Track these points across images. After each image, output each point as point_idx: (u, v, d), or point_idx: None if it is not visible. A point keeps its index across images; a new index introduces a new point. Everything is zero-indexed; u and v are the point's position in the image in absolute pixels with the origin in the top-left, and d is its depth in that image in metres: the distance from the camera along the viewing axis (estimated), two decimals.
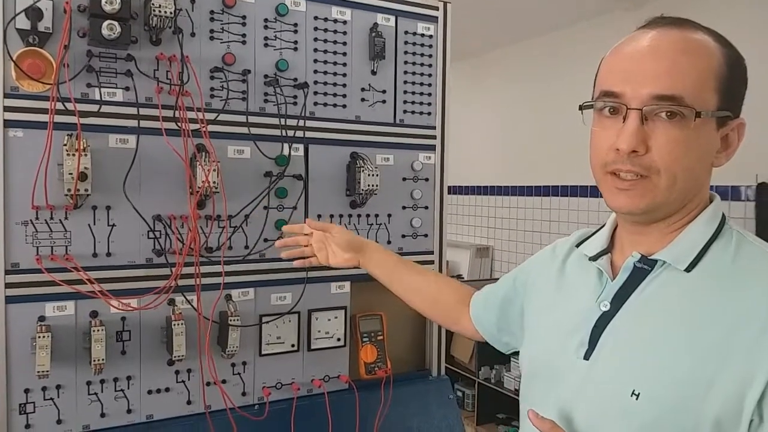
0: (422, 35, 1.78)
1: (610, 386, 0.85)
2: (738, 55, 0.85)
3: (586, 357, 0.89)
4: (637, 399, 0.81)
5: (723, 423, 0.76)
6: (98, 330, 1.31)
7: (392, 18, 1.73)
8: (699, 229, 0.86)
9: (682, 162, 0.81)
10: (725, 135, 0.84)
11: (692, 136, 0.81)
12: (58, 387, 1.34)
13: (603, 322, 0.89)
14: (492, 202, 5.96)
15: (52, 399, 1.34)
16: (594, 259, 0.96)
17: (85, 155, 1.29)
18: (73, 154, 1.27)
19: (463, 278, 5.85)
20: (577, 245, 1.03)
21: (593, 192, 4.79)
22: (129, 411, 1.41)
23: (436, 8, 1.80)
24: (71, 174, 1.27)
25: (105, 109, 1.35)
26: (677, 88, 0.80)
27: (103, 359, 1.32)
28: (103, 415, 1.39)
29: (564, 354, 0.93)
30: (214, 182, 1.39)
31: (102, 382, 1.38)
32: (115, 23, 1.31)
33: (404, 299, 1.42)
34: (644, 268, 0.88)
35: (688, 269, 0.84)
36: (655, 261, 0.87)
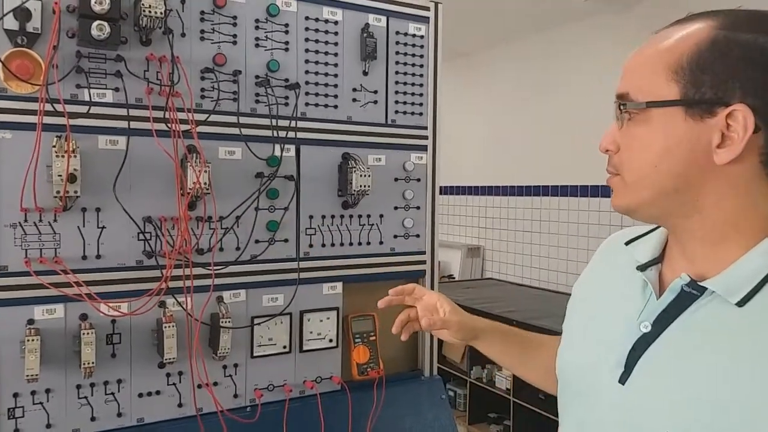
0: (413, 36, 1.78)
1: (645, 418, 0.80)
2: (736, 36, 0.74)
3: (622, 381, 0.83)
4: None
5: None
6: (88, 333, 1.30)
7: (384, 18, 1.73)
8: (759, 257, 0.76)
9: (644, 157, 0.79)
10: (726, 126, 0.74)
11: (651, 131, 0.78)
12: (47, 391, 1.33)
13: (642, 344, 0.82)
14: (483, 202, 5.97)
15: (41, 403, 1.33)
16: (642, 268, 0.88)
17: (75, 157, 1.27)
18: (62, 156, 1.26)
19: (454, 278, 5.87)
20: (627, 243, 0.96)
21: (584, 191, 4.82)
22: (119, 414, 1.40)
23: (428, 9, 1.80)
24: (60, 176, 1.26)
25: (94, 110, 1.34)
26: (625, 86, 0.81)
27: (93, 362, 1.31)
28: (93, 418, 1.37)
29: (599, 371, 0.88)
30: (204, 183, 1.39)
31: (92, 385, 1.37)
32: (105, 24, 1.29)
33: (525, 378, 1.28)
34: (692, 293, 0.80)
35: (740, 303, 0.75)
36: (705, 288, 0.78)
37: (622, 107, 0.81)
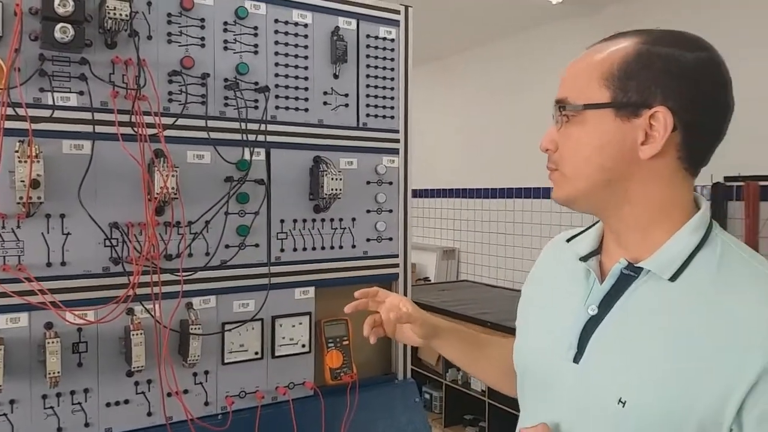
0: (384, 39, 1.78)
1: (598, 393, 0.88)
2: (655, 50, 0.86)
3: (576, 360, 0.92)
4: (623, 407, 0.84)
5: (706, 431, 0.79)
6: (53, 342, 1.27)
7: (354, 22, 1.72)
8: (684, 238, 0.87)
9: (579, 153, 0.90)
10: (649, 126, 0.85)
11: (586, 131, 0.89)
12: (11, 402, 1.29)
13: (591, 326, 0.92)
14: (457, 205, 6.00)
15: (5, 414, 1.29)
16: (584, 259, 0.98)
17: (38, 162, 1.25)
18: (25, 161, 1.23)
19: (429, 280, 5.87)
20: (568, 240, 1.06)
21: None
22: (87, 425, 1.37)
23: (398, 12, 1.80)
24: (23, 181, 1.23)
25: (58, 114, 1.31)
26: (564, 92, 0.92)
27: (58, 372, 1.28)
28: (59, 429, 1.34)
29: (555, 355, 0.95)
30: (172, 188, 1.37)
31: (58, 395, 1.34)
32: (69, 26, 1.27)
33: (480, 379, 1.37)
34: (630, 274, 0.90)
35: (672, 279, 0.86)
36: (641, 268, 0.89)
37: (561, 110, 0.91)
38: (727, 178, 3.73)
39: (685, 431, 0.80)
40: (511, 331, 1.24)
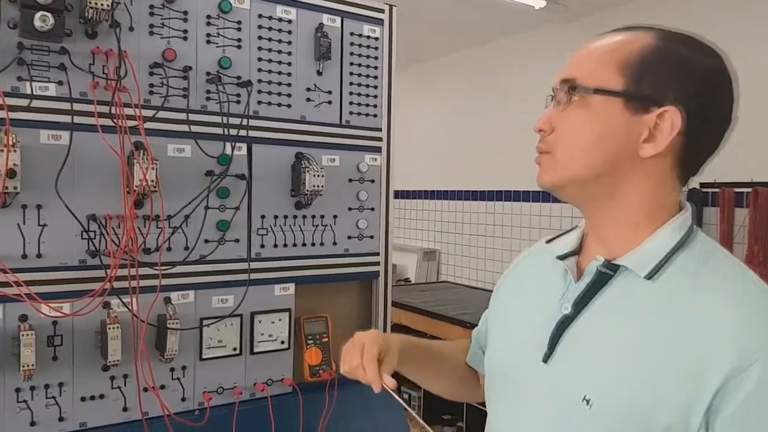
0: (368, 37, 1.78)
1: (563, 391, 0.86)
2: (675, 48, 0.84)
3: (545, 360, 0.89)
4: (588, 406, 0.82)
5: None
6: (27, 334, 1.25)
7: (338, 19, 1.72)
8: (663, 237, 0.85)
9: (578, 138, 0.86)
10: (655, 125, 0.82)
11: (590, 116, 0.85)
12: None
13: (564, 325, 0.88)
14: (438, 207, 6.01)
15: None
16: (562, 258, 0.95)
17: (14, 151, 1.23)
18: (2, 150, 1.21)
19: (410, 281, 5.88)
20: (548, 241, 1.02)
21: (536, 197, 4.90)
22: (61, 419, 1.35)
23: (382, 11, 1.80)
24: None
25: (36, 103, 1.30)
26: (573, 72, 0.87)
27: (32, 365, 1.26)
28: (33, 423, 1.32)
29: (524, 354, 0.93)
30: (152, 181, 1.35)
31: (32, 389, 1.32)
32: (48, 15, 1.26)
33: (436, 393, 1.28)
34: (607, 272, 0.87)
35: (649, 277, 0.83)
36: (618, 266, 0.86)
37: (571, 90, 0.86)
38: (702, 185, 3.78)
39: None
40: None
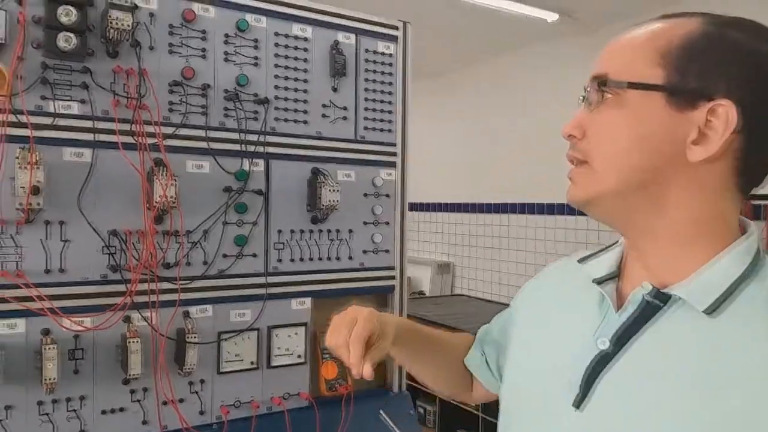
0: (383, 54, 1.80)
1: None
2: (726, 32, 0.71)
3: (577, 405, 0.75)
4: None
5: None
6: (50, 348, 1.28)
7: (353, 36, 1.75)
8: (727, 264, 0.71)
9: (613, 142, 0.73)
10: (705, 122, 0.69)
11: (625, 115, 0.72)
12: (7, 408, 1.29)
13: (600, 364, 0.74)
14: (453, 219, 6.01)
15: (1, 420, 1.29)
16: (599, 282, 0.81)
17: (38, 168, 1.26)
18: (26, 168, 1.24)
19: (424, 294, 5.87)
20: (581, 260, 0.88)
21: (550, 209, 4.89)
22: (82, 431, 1.37)
23: (396, 28, 1.83)
24: (23, 187, 1.24)
25: (60, 122, 1.33)
26: (605, 66, 0.75)
27: (55, 378, 1.28)
28: None
29: (550, 394, 0.79)
30: (171, 197, 1.38)
31: (54, 402, 1.34)
32: (72, 35, 1.29)
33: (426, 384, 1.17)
34: (656, 303, 0.72)
35: (710, 311, 0.68)
36: (670, 296, 0.72)
37: (601, 86, 0.74)
38: (752, 196, 3.66)
39: None
40: None
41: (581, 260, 0.88)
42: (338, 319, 0.96)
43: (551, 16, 4.09)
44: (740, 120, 0.68)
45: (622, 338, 0.74)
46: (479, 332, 1.11)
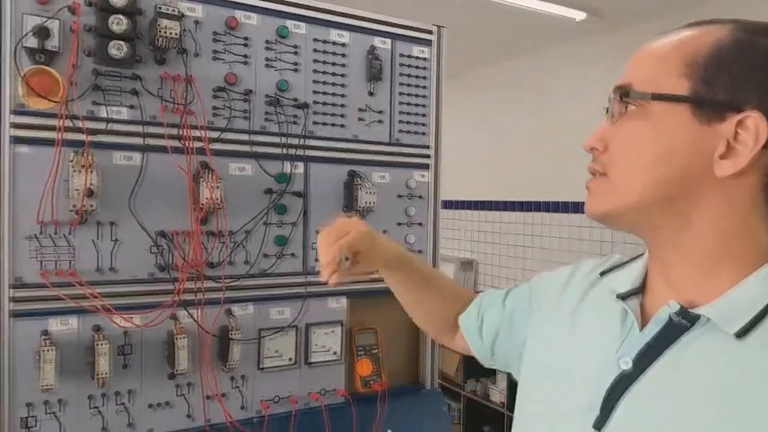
0: (417, 58, 1.83)
1: None
2: (757, 41, 0.67)
3: (597, 427, 0.71)
4: None
5: None
6: (102, 344, 1.33)
7: (389, 41, 1.78)
8: (758, 285, 0.67)
9: (636, 155, 0.70)
10: (734, 135, 0.66)
11: (650, 128, 0.69)
12: (59, 401, 1.35)
13: (622, 385, 0.71)
14: (475, 217, 6.03)
15: (53, 413, 1.35)
16: (623, 297, 0.78)
17: (92, 172, 1.31)
18: (80, 171, 1.30)
19: None
20: (602, 273, 0.85)
21: (575, 207, 4.88)
22: (130, 425, 1.43)
23: (431, 32, 1.86)
24: (78, 190, 1.29)
25: (111, 126, 1.38)
26: (629, 76, 0.73)
27: (107, 373, 1.33)
28: (104, 428, 1.40)
29: (567, 413, 0.76)
30: (217, 199, 1.42)
31: (104, 396, 1.39)
32: (122, 43, 1.34)
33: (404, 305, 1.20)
34: (682, 323, 0.69)
35: (740, 334, 0.65)
36: (698, 316, 0.68)
37: (623, 97, 0.71)
38: None
39: None
40: None
41: (603, 273, 0.86)
42: (337, 224, 1.00)
43: (579, 15, 4.08)
44: None
45: (645, 358, 0.71)
46: (484, 297, 1.11)
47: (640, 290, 0.78)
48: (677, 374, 0.68)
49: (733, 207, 0.68)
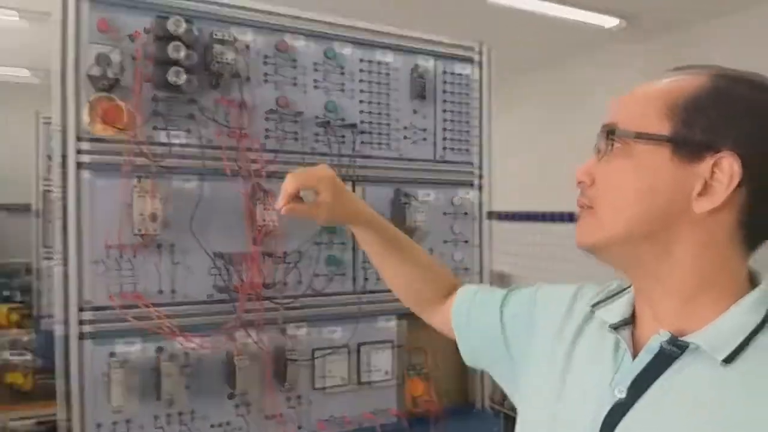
0: (460, 75, 1.85)
1: None
2: (733, 88, 0.73)
3: None
4: None
5: None
6: (168, 365, 1.36)
7: (432, 60, 1.80)
8: (741, 314, 0.72)
9: (619, 192, 0.75)
10: (711, 174, 0.70)
11: (633, 166, 0.74)
12: (127, 421, 1.37)
13: (617, 413, 0.74)
14: (508, 228, 6.01)
15: None
16: (615, 327, 0.81)
17: (155, 197, 1.34)
18: (144, 196, 1.33)
19: None
20: (593, 306, 0.88)
21: None
22: None
23: (473, 49, 1.87)
24: (142, 215, 1.32)
25: (172, 151, 1.41)
26: (615, 116, 0.78)
27: (173, 393, 1.36)
28: None
29: None
30: (273, 221, 1.45)
31: (168, 415, 1.41)
32: (181, 70, 1.37)
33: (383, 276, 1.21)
34: (673, 351, 0.73)
35: (727, 360, 0.69)
36: (687, 344, 0.72)
37: (609, 135, 0.76)
38: None
39: None
40: None
41: (594, 306, 0.88)
42: (309, 168, 1.08)
43: (610, 22, 4.09)
44: (745, 173, 0.69)
45: (638, 386, 0.74)
46: (477, 294, 1.10)
47: (630, 320, 0.82)
48: (669, 400, 0.71)
49: (711, 242, 0.73)
